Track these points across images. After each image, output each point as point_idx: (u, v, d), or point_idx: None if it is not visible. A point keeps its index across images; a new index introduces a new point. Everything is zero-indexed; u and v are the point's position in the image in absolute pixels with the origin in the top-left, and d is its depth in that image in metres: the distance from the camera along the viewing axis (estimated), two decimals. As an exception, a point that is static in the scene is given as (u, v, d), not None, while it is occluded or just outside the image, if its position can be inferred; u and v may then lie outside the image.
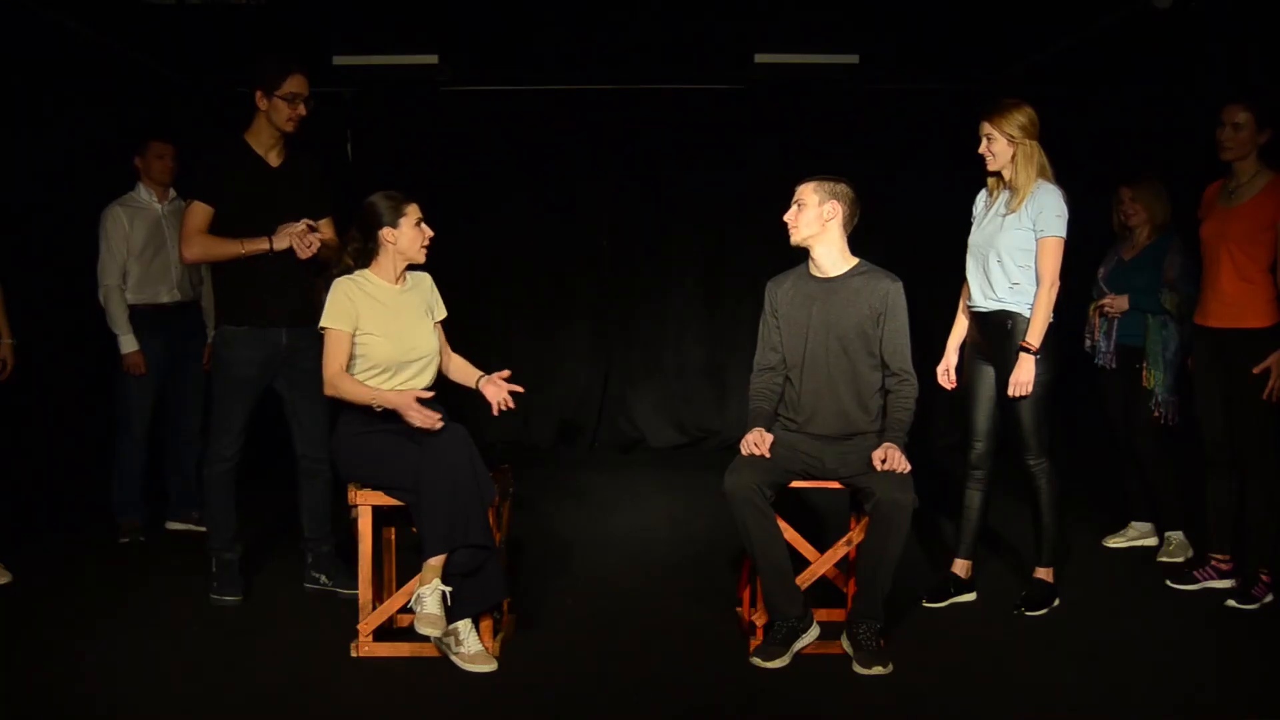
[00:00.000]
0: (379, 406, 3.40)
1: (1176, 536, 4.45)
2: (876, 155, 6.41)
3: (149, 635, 3.56)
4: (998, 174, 3.75)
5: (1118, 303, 4.46)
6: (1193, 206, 4.11)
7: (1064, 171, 3.74)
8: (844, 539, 3.52)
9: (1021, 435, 3.74)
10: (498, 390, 3.54)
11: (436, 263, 3.63)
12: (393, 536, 3.68)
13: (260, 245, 3.73)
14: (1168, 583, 4.07)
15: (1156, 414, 4.36)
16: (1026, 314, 3.67)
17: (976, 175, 3.86)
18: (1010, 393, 3.68)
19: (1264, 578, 3.84)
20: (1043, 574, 3.86)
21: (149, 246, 4.68)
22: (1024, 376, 3.64)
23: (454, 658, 3.29)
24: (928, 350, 3.88)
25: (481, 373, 3.63)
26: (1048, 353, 3.67)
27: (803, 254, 3.56)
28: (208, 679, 3.22)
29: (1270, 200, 3.77)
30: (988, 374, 3.83)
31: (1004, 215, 3.71)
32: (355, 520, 3.44)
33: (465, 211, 6.60)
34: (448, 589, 3.23)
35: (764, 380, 3.60)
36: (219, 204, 3.76)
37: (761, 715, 3.05)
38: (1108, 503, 4.96)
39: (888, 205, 5.70)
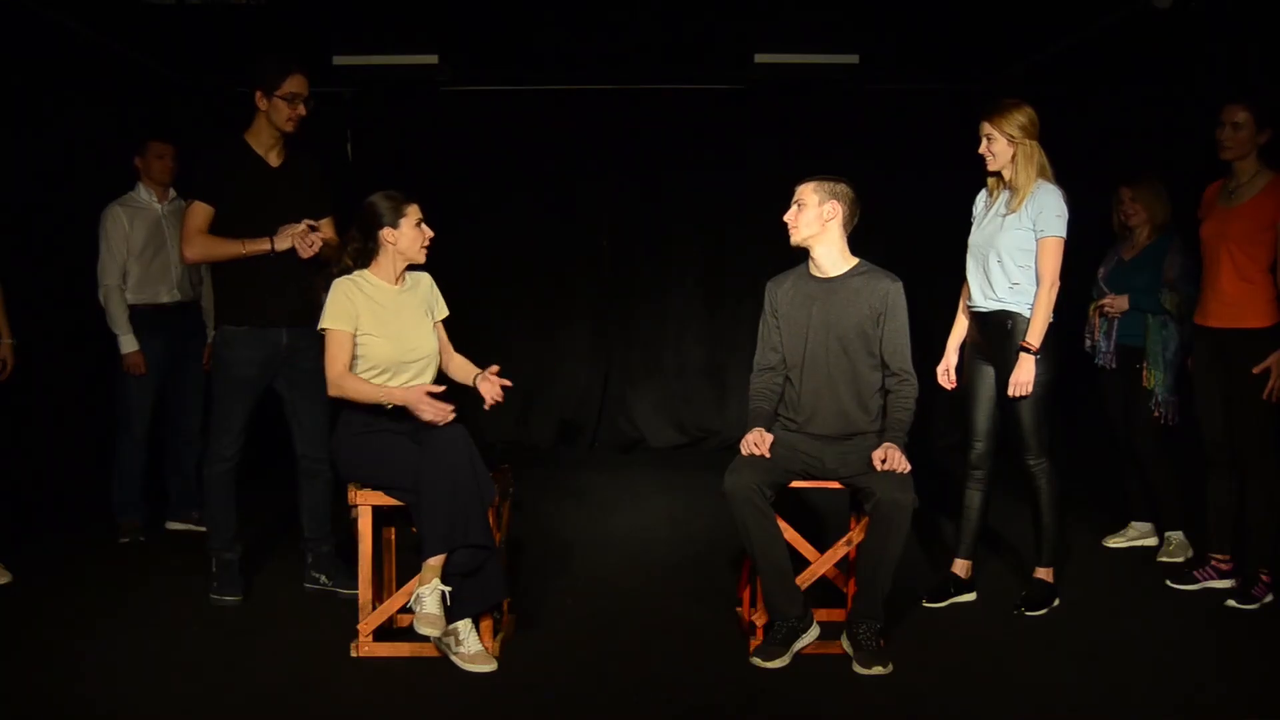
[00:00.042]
0: (389, 404, 3.40)
1: (1176, 536, 4.45)
2: (876, 155, 6.41)
3: (149, 635, 3.56)
4: (998, 174, 3.75)
5: (1118, 303, 4.46)
6: (1193, 206, 4.11)
7: (1064, 171, 3.74)
8: (844, 539, 3.52)
9: (1021, 435, 3.74)
10: (491, 386, 3.54)
11: (436, 263, 3.63)
12: (393, 536, 3.68)
13: (262, 246, 3.73)
14: (1168, 583, 4.07)
15: (1156, 414, 4.36)
16: (1026, 314, 3.67)
17: (976, 175, 3.86)
18: (1010, 393, 3.68)
19: (1264, 578, 3.84)
20: (1043, 574, 3.86)
21: (149, 246, 4.68)
22: (1024, 376, 3.65)
23: (454, 658, 3.29)
24: (928, 350, 3.88)
25: (479, 370, 3.64)
26: (1048, 353, 3.67)
27: (803, 254, 3.56)
28: (208, 679, 3.22)
29: (1270, 200, 3.77)
30: (988, 374, 3.83)
31: (1004, 215, 3.71)
32: (355, 520, 3.44)
33: (465, 211, 6.60)
34: (447, 589, 3.23)
35: (764, 380, 3.60)
36: (219, 204, 3.76)
37: (761, 715, 3.05)
38: (1108, 503, 4.96)
39: (888, 205, 5.70)
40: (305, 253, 3.72)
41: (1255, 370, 3.76)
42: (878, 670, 3.25)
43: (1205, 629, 3.67)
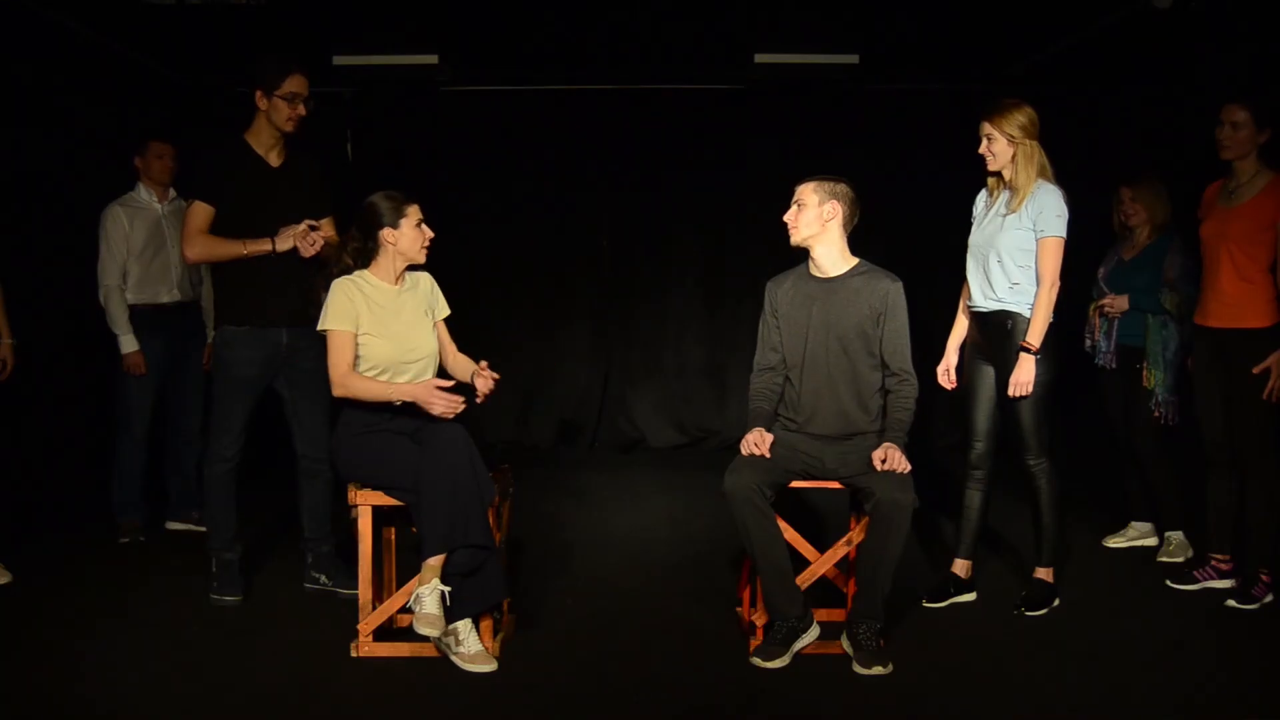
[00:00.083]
0: (398, 400, 3.40)
1: (1176, 536, 4.45)
2: (876, 155, 6.42)
3: (149, 635, 3.56)
4: (998, 174, 3.75)
5: (1118, 303, 4.46)
6: (1193, 206, 4.11)
7: (1064, 171, 3.74)
8: (844, 539, 3.52)
9: (1021, 435, 3.74)
10: (484, 381, 3.53)
11: (436, 263, 3.63)
12: (393, 536, 3.68)
13: (263, 246, 3.73)
14: (1168, 583, 4.07)
15: (1156, 414, 4.36)
16: (1026, 314, 3.67)
17: (976, 175, 3.86)
18: (1010, 393, 3.68)
19: (1264, 578, 3.84)
20: (1043, 574, 3.86)
21: (149, 246, 4.68)
22: (1024, 376, 3.64)
23: (454, 658, 3.29)
24: (928, 350, 3.88)
25: (477, 366, 3.63)
26: (1048, 353, 3.67)
27: (803, 254, 3.56)
28: (208, 679, 3.21)
29: (1270, 200, 3.77)
30: (988, 374, 3.83)
31: (1004, 215, 3.71)
32: (355, 520, 3.44)
33: (465, 211, 6.61)
34: (447, 589, 3.23)
35: (764, 380, 3.60)
36: (220, 204, 3.76)
37: (761, 715, 3.05)
38: (1108, 503, 4.96)
39: (888, 205, 5.70)
40: (307, 252, 3.72)
41: (1255, 370, 3.76)
42: (878, 670, 3.25)
43: (1205, 629, 3.67)
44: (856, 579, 3.43)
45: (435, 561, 3.23)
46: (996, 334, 3.74)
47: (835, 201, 3.45)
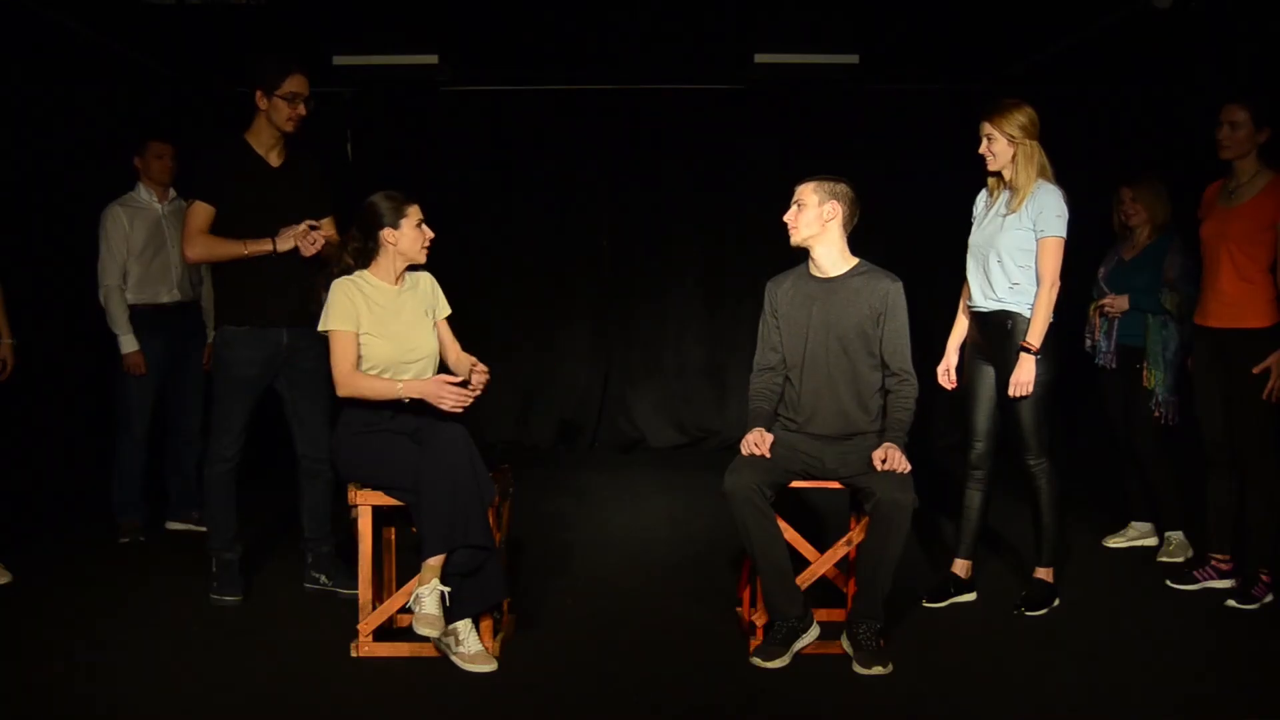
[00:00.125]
0: (406, 398, 3.40)
1: (1176, 536, 4.45)
2: (876, 155, 6.42)
3: (149, 635, 3.56)
4: (998, 174, 3.75)
5: (1118, 303, 4.46)
6: (1193, 206, 4.11)
7: (1064, 171, 3.74)
8: (844, 539, 3.52)
9: (1021, 435, 3.74)
10: (479, 375, 3.53)
11: (436, 263, 3.63)
12: (393, 536, 3.68)
13: (263, 247, 3.73)
14: (1168, 583, 4.07)
15: (1156, 414, 4.36)
16: (1026, 314, 3.67)
17: (976, 175, 3.86)
18: (1010, 393, 3.68)
19: (1264, 578, 3.84)
20: (1043, 574, 3.86)
21: (149, 246, 4.68)
22: (1024, 377, 3.64)
23: (454, 658, 3.29)
24: (928, 350, 3.88)
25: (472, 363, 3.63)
26: (1048, 353, 3.67)
27: (803, 254, 3.56)
28: (208, 679, 3.21)
29: (1270, 200, 3.77)
30: (988, 374, 3.83)
31: (1004, 215, 3.71)
32: (355, 520, 3.44)
33: (465, 211, 6.61)
34: (446, 589, 3.23)
35: (764, 380, 3.60)
36: (220, 204, 3.76)
37: (761, 715, 3.05)
38: (1108, 503, 4.96)
39: (888, 205, 5.70)
40: (307, 251, 3.72)
41: (1255, 370, 3.76)
42: (878, 670, 3.25)
43: (1205, 629, 3.67)
44: (856, 579, 3.43)
45: (435, 562, 3.23)
46: (996, 334, 3.74)
47: (835, 201, 3.45)
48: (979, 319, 3.82)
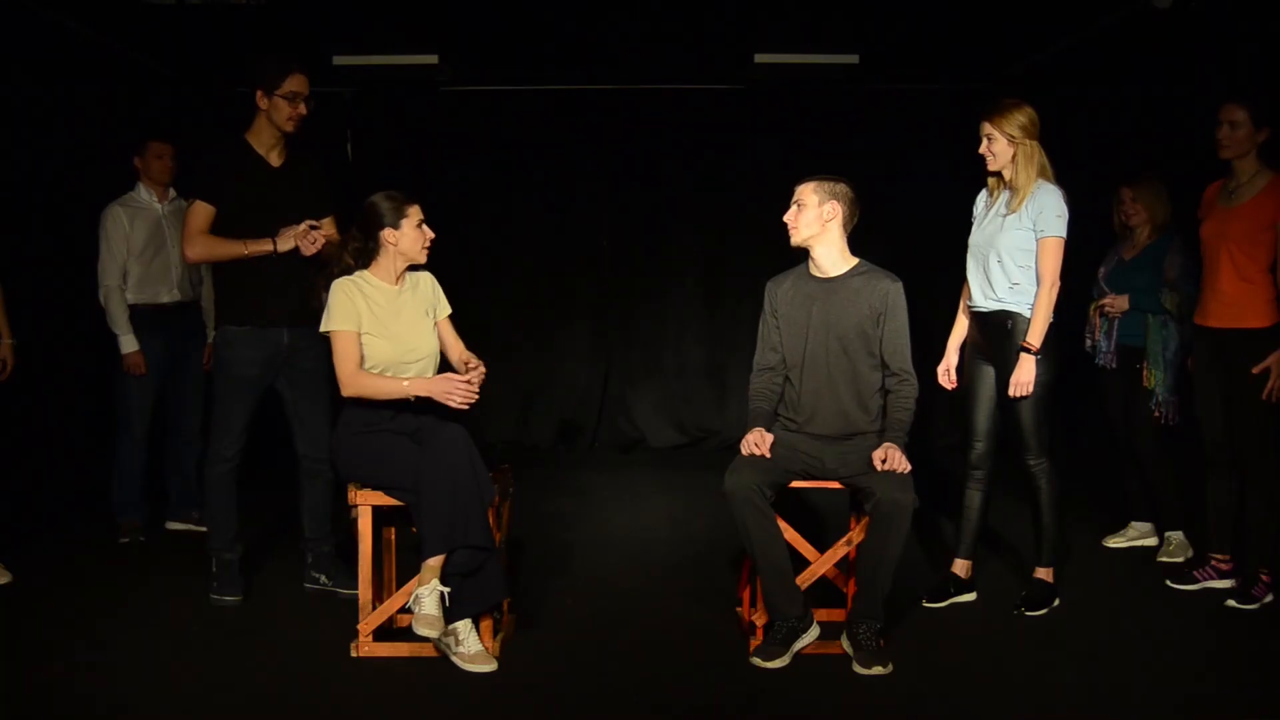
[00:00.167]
0: (412, 396, 3.39)
1: (1176, 536, 4.45)
2: (876, 155, 6.42)
3: (149, 635, 3.56)
4: (998, 174, 3.75)
5: (1118, 302, 4.46)
6: (1193, 206, 4.11)
7: (1064, 171, 3.74)
8: (844, 539, 3.52)
9: (1021, 435, 3.74)
10: (475, 371, 3.53)
11: (437, 262, 3.63)
12: (393, 536, 3.68)
13: (264, 247, 3.73)
14: (1168, 583, 4.07)
15: (1157, 414, 4.36)
16: (1027, 314, 3.67)
17: (976, 175, 3.86)
18: (1011, 393, 3.68)
19: (1264, 578, 3.84)
20: (1043, 574, 3.86)
21: (149, 246, 4.68)
22: (1024, 377, 3.65)
23: (454, 658, 3.29)
24: (928, 350, 3.88)
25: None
26: (1048, 353, 3.67)
27: (803, 254, 3.56)
28: (208, 679, 3.21)
29: (1270, 200, 3.77)
30: (988, 374, 3.83)
31: (1004, 215, 3.71)
32: (355, 520, 3.44)
33: (465, 211, 6.62)
34: (446, 589, 3.23)
35: (764, 380, 3.60)
36: (221, 204, 3.76)
37: (761, 715, 3.05)
38: (1108, 503, 4.96)
39: (888, 205, 5.70)
40: (308, 250, 3.72)
41: (1255, 370, 3.76)
42: (878, 670, 3.25)
43: (1205, 629, 3.67)
44: (856, 579, 3.43)
45: (435, 562, 3.23)
46: (997, 334, 3.74)
47: (835, 202, 3.45)
48: (979, 319, 3.82)
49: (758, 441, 3.42)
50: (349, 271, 3.50)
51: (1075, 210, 3.68)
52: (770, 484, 3.37)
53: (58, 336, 5.02)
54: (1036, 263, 3.65)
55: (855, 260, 3.53)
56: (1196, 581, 4.03)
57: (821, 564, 3.50)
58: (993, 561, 4.39)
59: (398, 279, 3.54)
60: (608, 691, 3.17)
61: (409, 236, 3.47)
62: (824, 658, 3.38)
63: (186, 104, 6.15)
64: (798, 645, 3.38)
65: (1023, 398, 3.67)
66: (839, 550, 3.51)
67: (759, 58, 5.80)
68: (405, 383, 3.39)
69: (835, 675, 3.26)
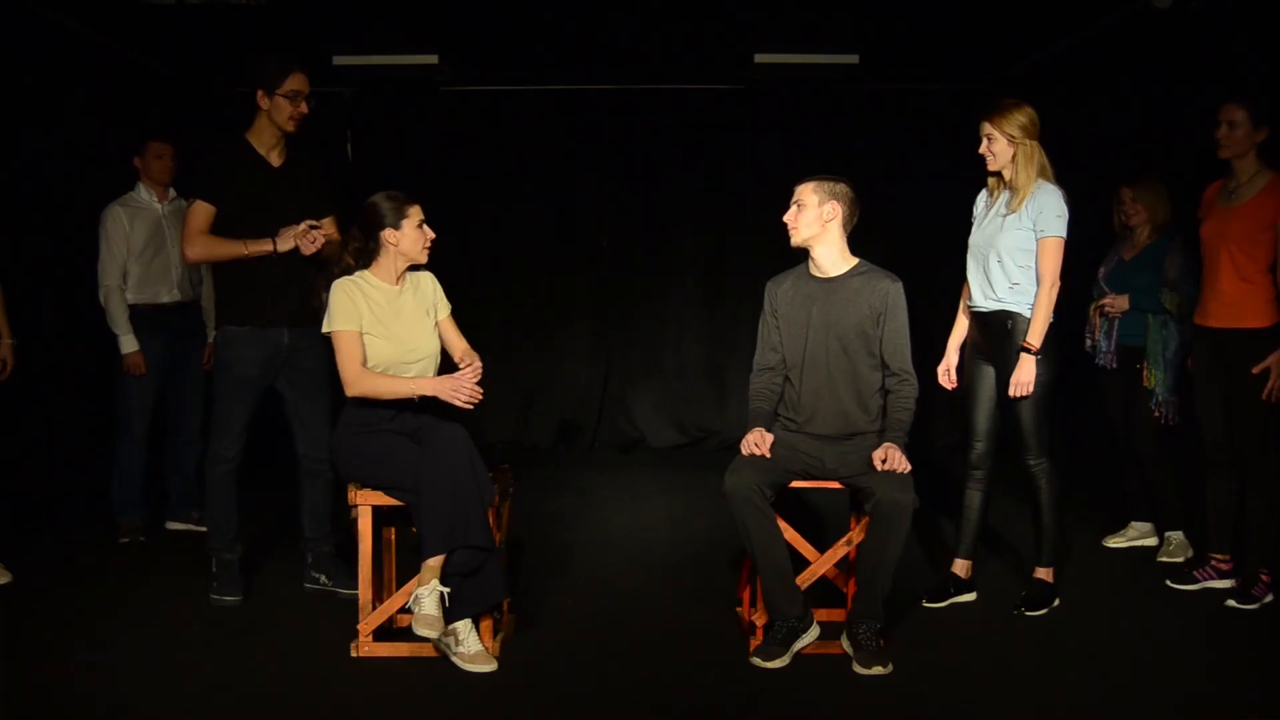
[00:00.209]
0: (417, 395, 3.39)
1: (1176, 536, 4.45)
2: (876, 155, 6.42)
3: (149, 635, 3.56)
4: (998, 174, 3.75)
5: (1118, 302, 4.46)
6: (1193, 206, 4.11)
7: (1064, 171, 3.74)
8: (844, 539, 3.52)
9: (1021, 435, 3.74)
10: (473, 369, 3.54)
11: (437, 262, 3.63)
12: (393, 536, 3.68)
13: (264, 247, 3.73)
14: (1168, 583, 4.07)
15: (1157, 414, 4.36)
16: (1027, 314, 3.67)
17: (976, 175, 3.86)
18: (1011, 393, 3.68)
19: (1264, 578, 3.84)
20: (1043, 574, 3.86)
21: (149, 246, 4.68)
22: (1024, 377, 3.65)
23: (454, 658, 3.29)
24: (928, 350, 3.88)
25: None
26: (1048, 353, 3.67)
27: (803, 254, 3.56)
28: (208, 679, 3.21)
29: (1270, 200, 3.77)
30: (988, 374, 3.83)
31: (1004, 215, 3.71)
32: (355, 520, 3.44)
33: (465, 211, 6.62)
34: (446, 590, 3.23)
35: (764, 380, 3.60)
36: (221, 204, 3.76)
37: (761, 715, 3.05)
38: (1108, 503, 4.96)
39: (888, 205, 5.70)
40: (308, 250, 3.72)
41: (1255, 370, 3.76)
42: (878, 670, 3.25)
43: (1205, 629, 3.67)
44: (856, 579, 3.43)
45: (435, 562, 3.23)
46: (997, 334, 3.74)
47: (835, 202, 3.45)
48: (979, 319, 3.82)
49: (758, 441, 3.42)
50: (349, 271, 3.49)
51: (1075, 210, 3.68)
52: (770, 484, 3.37)
53: (58, 336, 5.03)
54: (1036, 263, 3.65)
55: (855, 260, 3.53)
56: (1196, 581, 4.03)
57: (821, 564, 3.50)
58: (993, 561, 4.39)
59: (398, 279, 3.54)
60: (608, 691, 3.17)
61: (409, 237, 3.47)
62: (824, 658, 3.38)
63: (186, 104, 6.14)
64: (798, 645, 3.38)
65: (1023, 398, 3.67)
66: (839, 550, 3.51)
67: (759, 58, 5.80)
68: (410, 382, 3.39)
69: (835, 675, 3.26)
